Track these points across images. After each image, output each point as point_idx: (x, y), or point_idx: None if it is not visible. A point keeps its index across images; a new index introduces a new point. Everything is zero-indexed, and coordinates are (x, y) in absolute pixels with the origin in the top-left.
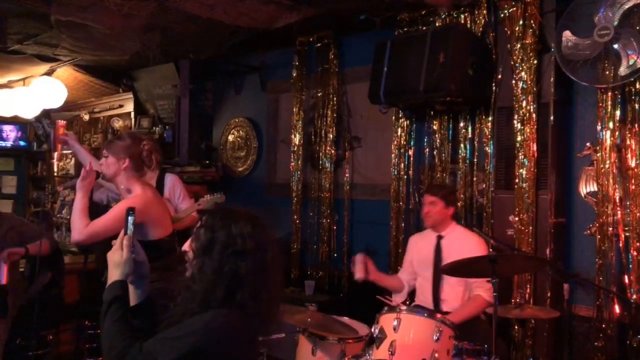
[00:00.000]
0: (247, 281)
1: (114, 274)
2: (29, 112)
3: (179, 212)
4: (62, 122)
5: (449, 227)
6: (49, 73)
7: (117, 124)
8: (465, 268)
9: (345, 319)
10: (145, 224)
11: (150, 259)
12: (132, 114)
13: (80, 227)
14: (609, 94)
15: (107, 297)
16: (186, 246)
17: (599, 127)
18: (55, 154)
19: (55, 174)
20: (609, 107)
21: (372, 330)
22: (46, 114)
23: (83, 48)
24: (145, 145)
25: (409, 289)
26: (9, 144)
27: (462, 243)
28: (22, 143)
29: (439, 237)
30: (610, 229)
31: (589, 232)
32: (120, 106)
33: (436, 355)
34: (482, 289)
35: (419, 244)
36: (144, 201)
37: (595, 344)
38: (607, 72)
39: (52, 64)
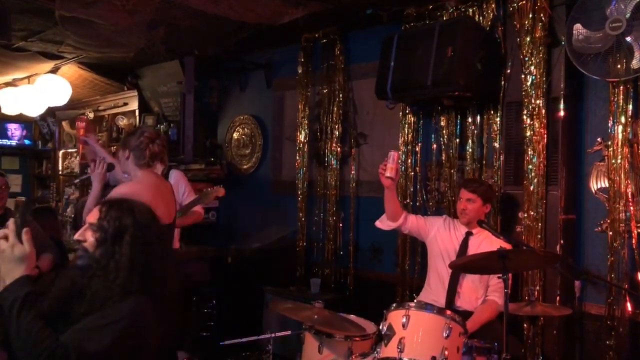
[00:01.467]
0: (155, 268)
1: (17, 270)
2: (34, 110)
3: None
4: (82, 124)
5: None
6: (53, 71)
7: (122, 122)
8: (475, 264)
9: (352, 317)
10: None
11: None
12: (137, 112)
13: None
14: (621, 87)
15: (17, 294)
16: (81, 236)
17: (610, 122)
18: (61, 153)
19: (60, 173)
20: (621, 101)
21: (381, 327)
22: (51, 112)
23: (88, 45)
24: (142, 137)
25: (401, 225)
26: (14, 142)
27: (491, 245)
28: (27, 142)
29: (468, 234)
30: (622, 225)
31: (600, 228)
32: (125, 104)
33: (446, 352)
34: (498, 294)
35: (448, 231)
36: (130, 188)
37: (607, 342)
38: (618, 66)
39: (57, 61)
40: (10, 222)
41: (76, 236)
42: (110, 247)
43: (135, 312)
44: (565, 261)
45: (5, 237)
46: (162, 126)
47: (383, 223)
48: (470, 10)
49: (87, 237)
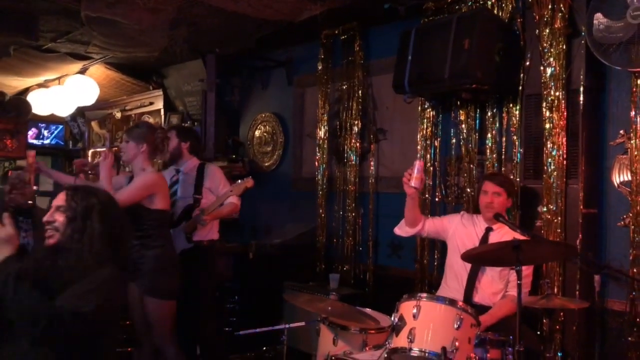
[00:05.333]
0: (120, 242)
1: (4, 250)
2: (64, 111)
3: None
4: (32, 152)
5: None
6: (82, 72)
7: (148, 121)
8: (489, 255)
9: (368, 310)
10: (156, 194)
11: (152, 226)
12: (162, 111)
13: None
14: None
15: (8, 271)
16: (50, 217)
17: (632, 113)
18: (90, 152)
19: (90, 171)
20: None
21: (392, 318)
22: (80, 112)
23: (113, 45)
24: (159, 134)
25: (420, 230)
26: (46, 142)
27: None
28: (58, 142)
29: (488, 229)
30: None
31: (622, 223)
32: (151, 103)
33: (457, 343)
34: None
35: (467, 227)
36: (158, 176)
37: (629, 338)
38: None
39: (85, 62)
40: None
41: (45, 218)
42: (80, 223)
43: (113, 278)
44: (584, 254)
45: None
46: (186, 125)
47: (402, 229)
48: (489, 2)
49: (56, 218)
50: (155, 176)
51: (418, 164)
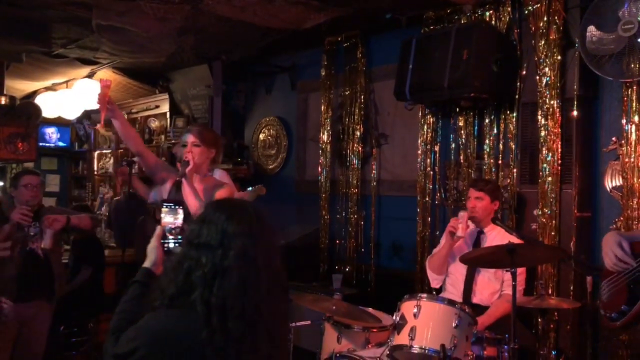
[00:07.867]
0: (203, 280)
1: (146, 261)
2: (71, 114)
3: None
4: (107, 81)
5: (492, 224)
6: (89, 75)
7: (154, 124)
8: (485, 258)
9: (370, 310)
10: None
11: None
12: (168, 114)
13: (198, 204)
14: (634, 88)
15: (133, 279)
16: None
17: (624, 121)
18: (96, 154)
19: (95, 173)
20: (634, 101)
21: (394, 317)
22: (87, 115)
23: (122, 51)
24: (222, 140)
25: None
26: (52, 144)
27: (503, 241)
28: (64, 144)
29: (480, 232)
30: (636, 223)
31: (614, 226)
32: (157, 107)
33: (455, 341)
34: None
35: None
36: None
37: (620, 337)
38: (632, 66)
39: (93, 66)
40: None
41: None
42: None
43: (146, 330)
44: (577, 257)
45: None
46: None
47: (435, 280)
48: (487, 13)
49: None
50: (231, 189)
51: (464, 215)
